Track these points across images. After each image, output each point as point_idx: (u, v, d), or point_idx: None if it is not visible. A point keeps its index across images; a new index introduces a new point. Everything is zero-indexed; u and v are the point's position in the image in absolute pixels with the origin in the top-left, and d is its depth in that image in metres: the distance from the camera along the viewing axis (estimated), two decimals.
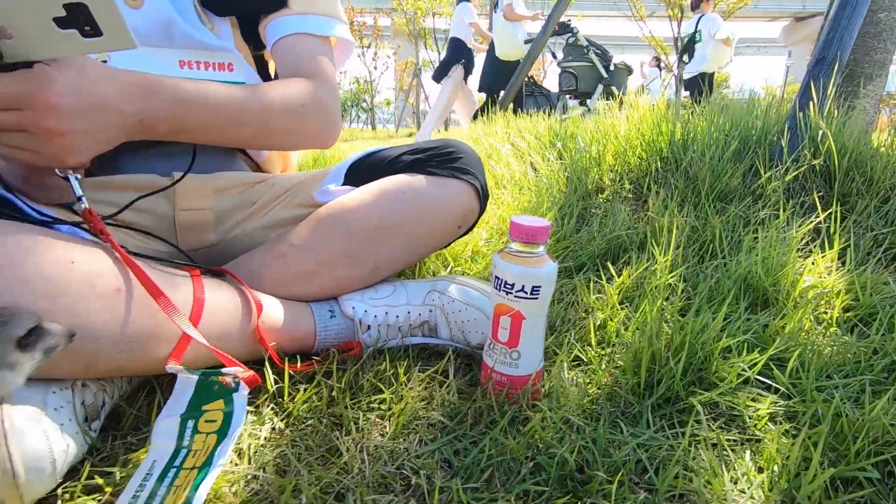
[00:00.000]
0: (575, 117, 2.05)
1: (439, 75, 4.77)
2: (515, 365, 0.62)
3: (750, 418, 0.58)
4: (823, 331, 0.78)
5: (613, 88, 4.53)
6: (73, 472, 0.49)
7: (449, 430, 0.58)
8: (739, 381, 0.63)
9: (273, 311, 0.67)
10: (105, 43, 0.43)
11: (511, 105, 3.89)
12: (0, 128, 0.46)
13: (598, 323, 0.77)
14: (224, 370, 0.56)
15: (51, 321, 0.44)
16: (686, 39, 5.16)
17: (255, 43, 0.81)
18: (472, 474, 0.51)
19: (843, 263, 0.94)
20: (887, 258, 1.01)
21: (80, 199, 0.53)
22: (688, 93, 4.81)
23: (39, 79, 0.45)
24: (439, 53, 13.44)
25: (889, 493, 0.49)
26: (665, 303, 0.78)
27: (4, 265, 0.45)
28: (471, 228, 0.82)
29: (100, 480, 0.48)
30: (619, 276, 0.89)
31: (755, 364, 0.64)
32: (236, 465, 0.52)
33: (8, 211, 0.54)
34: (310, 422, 0.59)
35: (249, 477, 0.51)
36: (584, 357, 0.71)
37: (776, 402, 0.60)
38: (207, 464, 0.47)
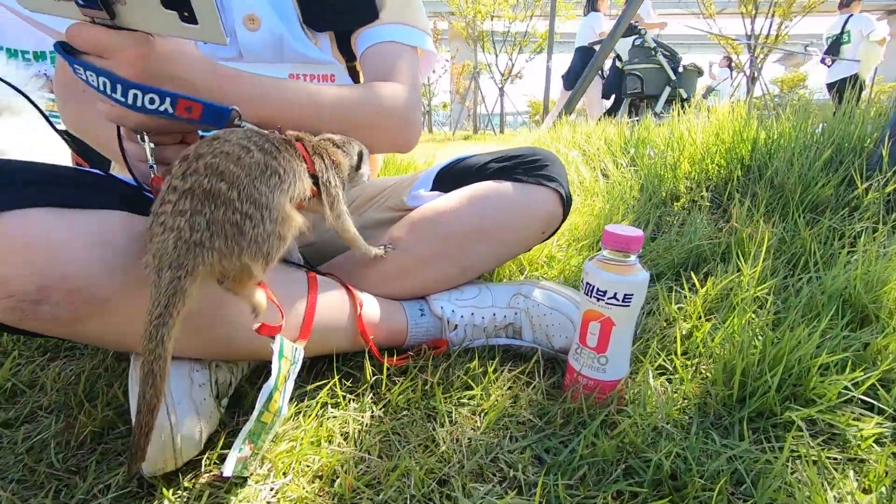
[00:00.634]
0: (646, 121, 2.00)
1: (571, 84, 4.75)
2: (603, 370, 0.63)
3: (853, 438, 0.57)
4: None
5: (681, 91, 4.36)
6: (208, 443, 0.56)
7: (538, 429, 0.60)
8: (839, 399, 0.61)
9: (371, 307, 0.72)
10: (199, 31, 0.46)
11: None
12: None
13: (683, 332, 0.77)
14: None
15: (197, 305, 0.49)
16: (831, 40, 4.86)
17: (348, 55, 0.87)
18: (564, 472, 0.53)
19: None
20: None
21: (151, 167, 0.55)
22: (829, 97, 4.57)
23: (138, 38, 0.49)
24: (496, 56, 13.43)
25: None
26: (754, 316, 0.77)
27: None
28: (554, 233, 0.84)
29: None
30: (702, 287, 0.87)
31: (858, 383, 0.62)
32: (343, 447, 0.57)
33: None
34: (406, 412, 0.63)
35: (357, 458, 0.55)
36: (668, 367, 0.72)
37: (881, 424, 0.58)
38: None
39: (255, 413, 0.50)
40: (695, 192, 1.35)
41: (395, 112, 0.75)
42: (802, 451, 0.54)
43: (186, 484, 0.51)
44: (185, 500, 0.49)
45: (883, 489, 0.50)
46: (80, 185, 0.50)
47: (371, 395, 0.66)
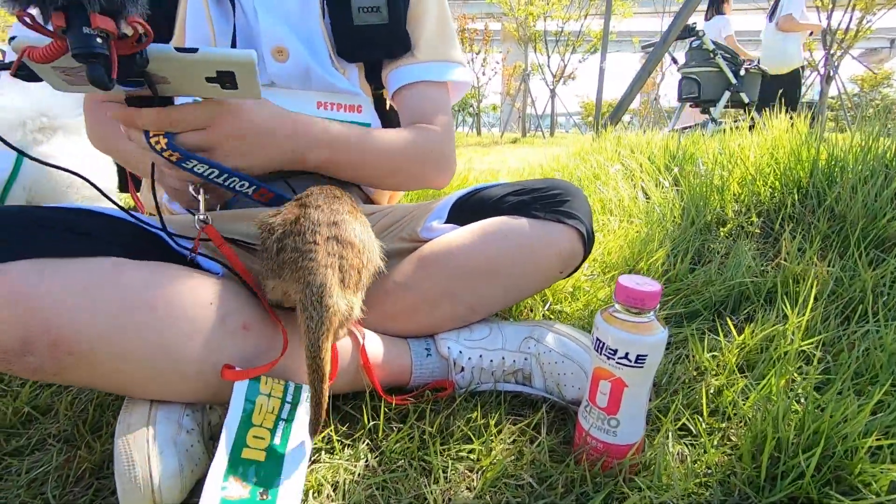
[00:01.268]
0: (695, 135, 1.88)
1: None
2: (614, 433, 0.58)
3: None
4: None
5: (743, 95, 4.10)
6: (198, 484, 0.55)
7: (538, 496, 0.56)
8: (892, 494, 0.53)
9: (373, 345, 0.70)
10: (238, 94, 0.52)
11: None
12: (188, 144, 0.56)
13: (711, 389, 0.70)
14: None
15: (187, 354, 0.52)
16: None
17: (376, 83, 0.87)
18: None
19: None
20: None
21: (203, 220, 0.61)
22: None
23: (228, 107, 0.57)
24: (548, 57, 13.19)
25: None
26: (797, 374, 0.69)
27: (157, 307, 0.52)
28: (574, 272, 0.79)
29: None
30: (739, 334, 0.79)
31: None
32: (332, 499, 0.55)
33: (156, 247, 0.62)
34: (400, 463, 0.61)
35: None
36: (692, 427, 0.65)
37: None
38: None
39: (221, 449, 0.50)
40: (743, 216, 1.24)
41: (432, 156, 0.83)
42: None
43: None
44: None
45: None
46: (71, 232, 0.51)
47: (367, 440, 0.64)
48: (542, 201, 0.73)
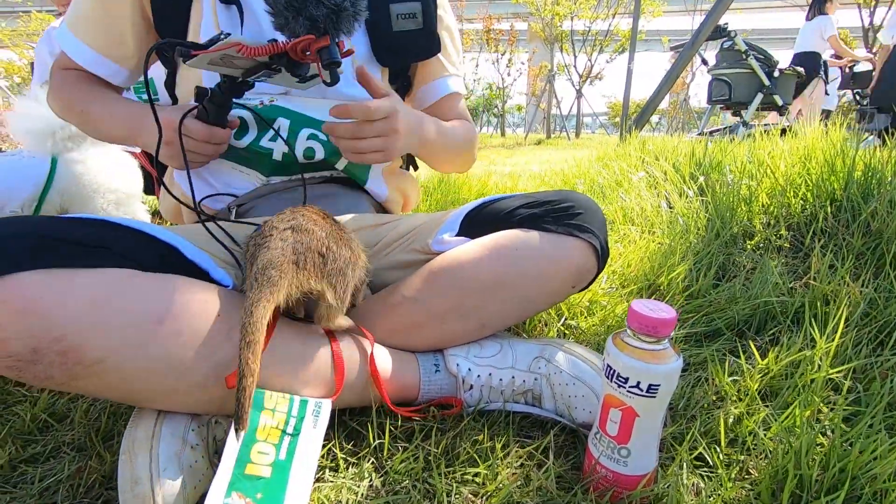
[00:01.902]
0: (722, 141, 1.82)
1: (798, 92, 4.49)
2: (624, 463, 0.56)
3: None
4: None
5: (776, 97, 3.96)
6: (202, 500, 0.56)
7: None
8: None
9: (381, 359, 0.69)
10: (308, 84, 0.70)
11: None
12: (377, 132, 0.72)
13: (730, 417, 0.67)
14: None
15: (193, 366, 0.53)
16: None
17: (399, 82, 0.92)
18: None
19: None
20: None
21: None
22: None
23: (397, 103, 0.74)
24: (575, 57, 13.02)
25: None
26: (824, 405, 0.65)
27: (166, 319, 0.52)
28: (587, 287, 0.77)
29: None
30: (763, 357, 0.76)
31: None
32: None
33: (168, 258, 0.63)
34: (404, 484, 0.60)
35: None
36: (708, 458, 0.62)
37: None
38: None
39: (225, 464, 0.50)
40: (771, 230, 1.19)
41: (475, 143, 1.01)
42: None
43: None
44: None
45: None
46: (82, 244, 0.51)
47: (372, 459, 0.63)
48: (554, 214, 0.71)
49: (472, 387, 0.71)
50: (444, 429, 0.68)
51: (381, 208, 0.98)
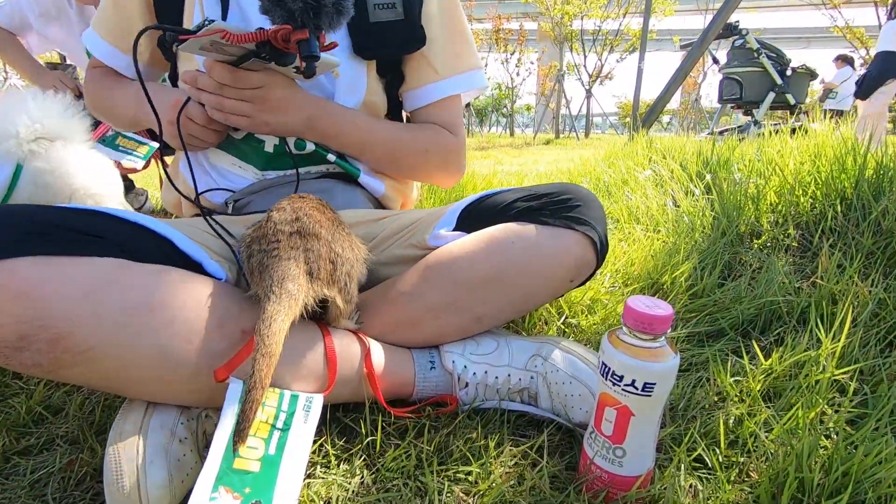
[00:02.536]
0: (731, 140, 1.79)
1: (868, 91, 4.25)
2: (619, 463, 0.54)
3: None
4: None
5: (789, 96, 3.90)
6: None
7: None
8: None
9: (376, 355, 0.69)
10: (302, 76, 0.70)
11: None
12: (243, 97, 0.71)
13: (731, 418, 0.65)
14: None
15: (184, 357, 0.52)
16: None
17: (390, 77, 0.89)
18: None
19: None
20: None
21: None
22: None
23: (275, 78, 0.73)
24: (584, 57, 12.96)
25: None
26: (828, 407, 0.63)
27: (157, 309, 0.52)
28: (586, 281, 0.76)
29: None
30: (766, 358, 0.74)
31: None
32: None
33: (161, 249, 0.63)
34: (396, 482, 0.59)
35: None
36: (708, 460, 0.61)
37: None
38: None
39: (212, 458, 0.49)
40: (779, 228, 1.17)
41: (437, 152, 0.91)
42: None
43: None
44: None
45: None
46: (76, 231, 0.51)
47: (364, 456, 0.63)
48: (552, 207, 0.70)
49: (467, 384, 0.70)
50: (438, 426, 0.67)
51: (379, 204, 0.97)
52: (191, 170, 0.76)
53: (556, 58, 13.18)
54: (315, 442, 0.63)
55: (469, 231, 0.74)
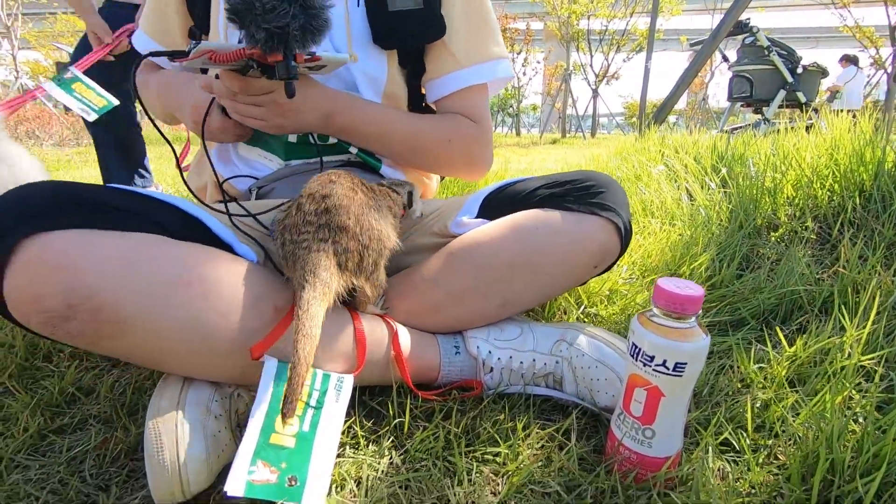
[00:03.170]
0: (745, 134, 1.78)
1: None
2: (648, 444, 0.55)
3: None
4: None
5: (800, 94, 3.87)
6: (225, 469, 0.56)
7: None
8: None
9: (402, 339, 0.69)
10: (324, 72, 0.72)
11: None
12: (255, 102, 0.70)
13: (757, 402, 0.66)
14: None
15: (219, 331, 0.54)
16: None
17: (410, 67, 0.87)
18: None
19: None
20: None
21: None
22: None
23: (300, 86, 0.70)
24: (591, 56, 12.92)
25: None
26: (855, 392, 0.63)
27: (194, 283, 0.53)
28: (609, 267, 0.76)
29: None
30: (790, 345, 0.74)
31: None
32: (355, 495, 0.55)
33: (197, 232, 0.64)
34: (424, 462, 0.59)
35: None
36: (735, 443, 0.61)
37: None
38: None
39: (251, 432, 0.50)
40: (797, 221, 1.17)
41: (462, 145, 0.87)
42: None
43: None
44: None
45: None
46: (115, 209, 0.53)
47: (392, 437, 0.63)
48: (576, 193, 0.70)
49: (492, 369, 0.70)
50: (464, 409, 0.67)
51: None
52: (210, 163, 0.79)
53: (563, 57, 13.15)
54: (344, 422, 0.63)
55: (491, 219, 0.75)
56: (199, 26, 0.86)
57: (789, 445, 0.59)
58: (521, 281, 0.70)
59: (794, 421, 0.61)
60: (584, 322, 0.92)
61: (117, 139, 1.99)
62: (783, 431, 0.61)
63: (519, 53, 13.14)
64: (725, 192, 1.35)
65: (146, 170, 2.14)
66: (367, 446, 0.62)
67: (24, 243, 0.47)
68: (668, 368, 0.52)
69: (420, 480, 0.57)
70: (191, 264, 0.54)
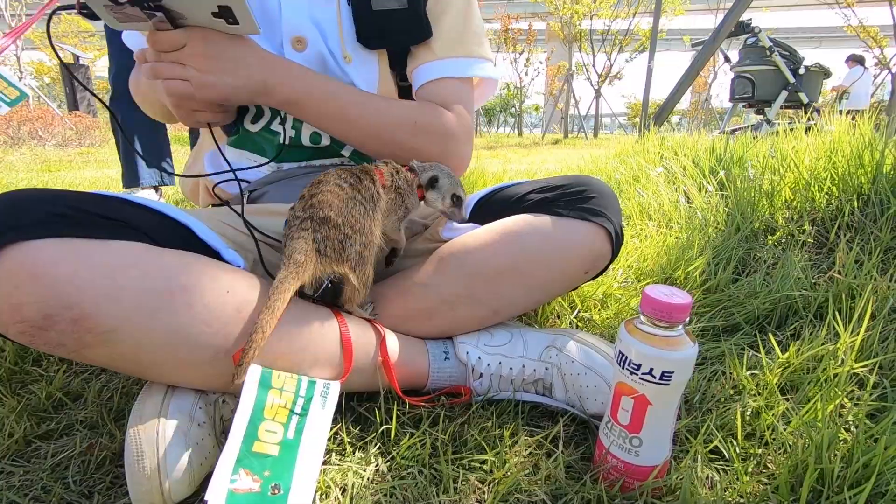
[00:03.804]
0: (744, 136, 1.77)
1: None
2: (636, 453, 0.54)
3: None
4: None
5: (802, 95, 3.85)
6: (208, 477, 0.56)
7: None
8: None
9: (391, 345, 0.69)
10: (241, 29, 0.63)
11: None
12: (175, 59, 0.63)
13: (748, 410, 0.65)
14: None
15: (203, 340, 0.54)
16: None
17: (399, 74, 0.85)
18: None
19: None
20: None
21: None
22: None
23: (201, 33, 0.63)
24: (594, 56, 12.90)
25: None
26: (847, 399, 0.63)
27: (179, 292, 0.53)
28: (601, 273, 0.75)
29: None
30: (783, 352, 0.73)
31: None
32: (339, 503, 0.54)
33: (181, 237, 0.63)
34: (410, 469, 0.59)
35: None
36: (724, 451, 0.60)
37: None
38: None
39: (233, 440, 0.50)
40: (794, 224, 1.16)
41: (430, 131, 0.79)
42: None
43: None
44: None
45: None
46: (97, 216, 0.52)
47: (379, 444, 0.63)
48: (567, 198, 0.70)
49: (481, 375, 0.70)
50: (452, 416, 0.67)
51: None
52: (227, 157, 0.76)
53: (565, 57, 13.13)
54: (330, 429, 0.63)
55: (482, 223, 0.74)
56: None
57: (779, 454, 0.59)
58: (512, 286, 0.70)
59: (784, 429, 0.61)
60: (578, 327, 0.92)
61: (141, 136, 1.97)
62: (773, 440, 0.61)
63: (521, 54, 13.14)
64: (723, 194, 1.34)
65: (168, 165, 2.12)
66: (354, 453, 0.61)
67: (3, 252, 0.47)
68: (654, 377, 0.51)
69: (406, 488, 0.56)
70: (175, 273, 0.53)
